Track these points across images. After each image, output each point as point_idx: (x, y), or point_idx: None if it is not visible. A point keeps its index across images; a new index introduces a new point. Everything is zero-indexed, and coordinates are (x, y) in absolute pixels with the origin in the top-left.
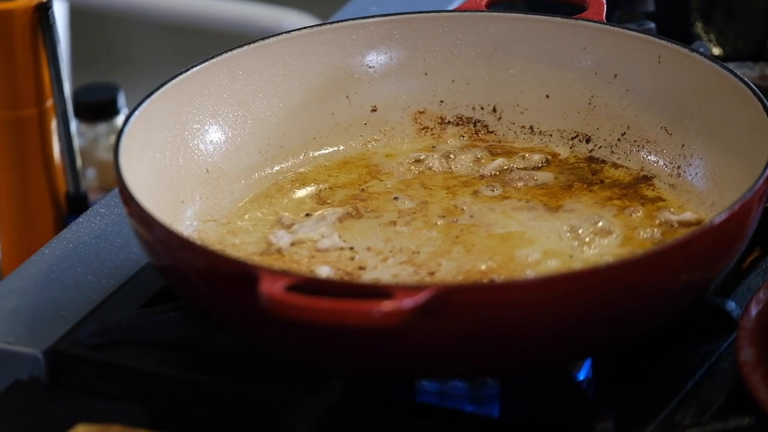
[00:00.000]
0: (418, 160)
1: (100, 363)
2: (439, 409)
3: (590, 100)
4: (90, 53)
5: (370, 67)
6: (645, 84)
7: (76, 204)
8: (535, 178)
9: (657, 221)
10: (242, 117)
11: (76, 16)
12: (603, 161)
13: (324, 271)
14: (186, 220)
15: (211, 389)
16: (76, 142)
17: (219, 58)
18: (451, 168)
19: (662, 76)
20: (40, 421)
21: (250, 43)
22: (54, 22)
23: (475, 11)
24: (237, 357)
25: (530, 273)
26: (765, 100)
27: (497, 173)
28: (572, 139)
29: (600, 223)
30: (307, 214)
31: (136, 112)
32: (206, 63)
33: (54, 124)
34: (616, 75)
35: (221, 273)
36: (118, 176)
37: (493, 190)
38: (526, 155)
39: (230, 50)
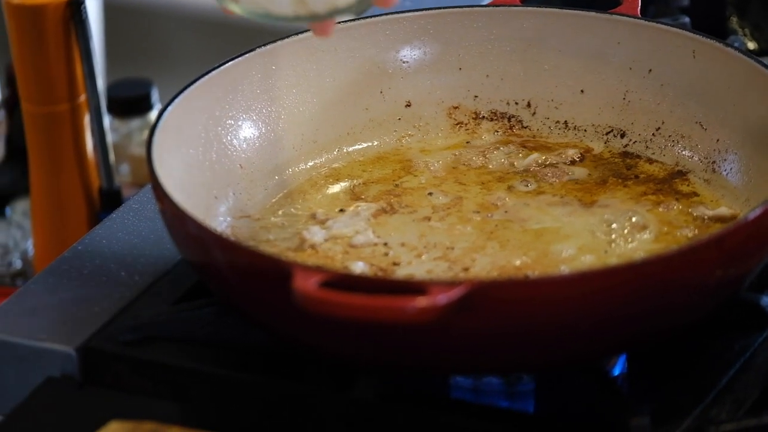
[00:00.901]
0: (452, 156)
1: (134, 359)
2: (474, 405)
3: (625, 94)
4: (124, 48)
5: (404, 62)
6: (680, 79)
7: (110, 200)
8: (570, 173)
9: (692, 216)
10: (276, 112)
11: (110, 11)
12: (638, 156)
13: (358, 267)
14: (219, 216)
15: (245, 385)
16: (110, 138)
17: (252, 53)
18: (485, 163)
19: (697, 70)
20: (72, 418)
21: (283, 38)
22: (86, 17)
23: (510, 6)
24: (270, 353)
25: (565, 268)
26: None
27: (532, 168)
28: (607, 134)
29: (634, 219)
30: (341, 210)
31: (169, 108)
32: (239, 58)
33: (87, 120)
34: (650, 70)
35: (255, 269)
36: (151, 172)
37: (528, 186)
38: (561, 150)
39: (264, 45)
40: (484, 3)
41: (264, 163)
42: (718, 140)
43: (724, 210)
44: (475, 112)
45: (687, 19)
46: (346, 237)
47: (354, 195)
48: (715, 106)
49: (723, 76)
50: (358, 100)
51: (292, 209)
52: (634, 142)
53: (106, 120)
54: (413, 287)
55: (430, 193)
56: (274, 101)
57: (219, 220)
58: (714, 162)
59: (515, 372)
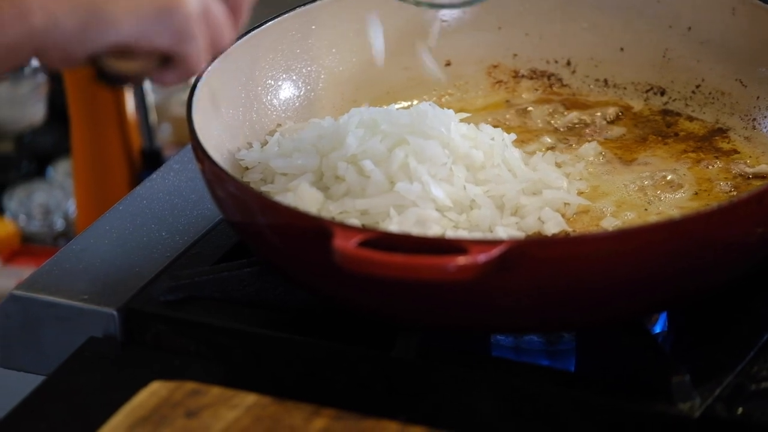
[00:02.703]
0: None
1: (175, 319)
2: (515, 363)
3: (664, 52)
4: None
5: (443, 21)
6: (719, 36)
7: (151, 159)
8: (609, 131)
9: (732, 173)
10: (315, 72)
11: None
12: (677, 114)
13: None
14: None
15: (285, 345)
16: (151, 98)
17: (292, 12)
18: (525, 122)
19: (736, 28)
20: (114, 377)
21: None
22: None
23: None
24: (311, 313)
25: (605, 226)
26: None
27: (571, 127)
28: (646, 92)
29: (674, 176)
30: None
31: (209, 68)
32: (279, 18)
33: None
34: (690, 27)
35: (295, 229)
36: (191, 133)
37: (568, 144)
38: (601, 108)
39: (304, 5)
40: None
41: (304, 123)
42: (758, 97)
43: (764, 167)
44: (515, 71)
45: None
46: None
47: None
48: (755, 63)
49: (763, 33)
50: (398, 60)
51: None
52: (673, 100)
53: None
54: (453, 246)
55: None
56: (313, 61)
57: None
58: (754, 119)
59: (556, 330)
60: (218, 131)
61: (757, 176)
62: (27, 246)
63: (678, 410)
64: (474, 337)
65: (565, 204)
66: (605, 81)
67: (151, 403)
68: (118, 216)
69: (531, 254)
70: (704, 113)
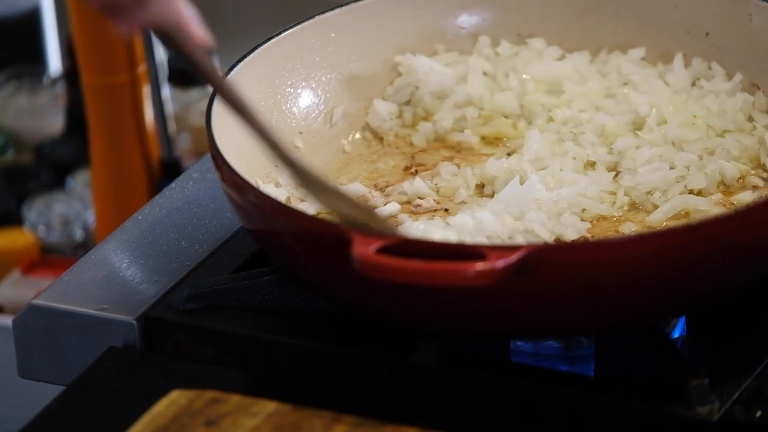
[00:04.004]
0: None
1: (194, 328)
2: (534, 368)
3: (683, 58)
4: None
5: (462, 29)
6: (736, 42)
7: (170, 169)
8: None
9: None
10: (335, 80)
11: None
12: None
13: (419, 229)
14: (279, 185)
15: (305, 352)
16: (169, 108)
17: (311, 21)
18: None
19: (754, 34)
20: (134, 387)
21: (342, 6)
22: None
23: None
24: (331, 320)
25: (624, 231)
26: None
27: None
28: None
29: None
30: (406, 170)
31: (228, 77)
32: (299, 26)
33: (147, 90)
34: (707, 33)
35: (314, 236)
36: (211, 141)
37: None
38: None
39: (323, 13)
40: None
41: (324, 130)
42: None
43: None
44: None
45: None
46: (407, 203)
47: (415, 162)
48: None
49: None
50: None
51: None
52: None
53: (166, 90)
54: (472, 252)
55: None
56: (332, 69)
57: (279, 188)
58: None
59: (575, 335)
60: (238, 140)
61: None
62: (46, 257)
63: (697, 414)
64: (493, 343)
65: (584, 209)
66: None
67: (170, 412)
68: (137, 225)
69: (550, 259)
70: None
